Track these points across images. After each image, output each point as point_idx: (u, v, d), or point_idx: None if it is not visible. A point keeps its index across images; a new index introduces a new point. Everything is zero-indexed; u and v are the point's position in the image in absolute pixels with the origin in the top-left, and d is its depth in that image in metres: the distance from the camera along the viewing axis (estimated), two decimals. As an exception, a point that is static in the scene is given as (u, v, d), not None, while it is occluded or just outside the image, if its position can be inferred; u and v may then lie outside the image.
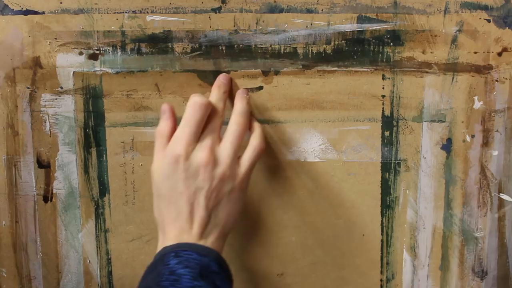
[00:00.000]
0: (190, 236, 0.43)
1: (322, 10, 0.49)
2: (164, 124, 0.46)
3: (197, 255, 0.42)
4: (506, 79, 0.49)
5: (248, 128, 0.48)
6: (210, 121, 0.46)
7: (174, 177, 0.44)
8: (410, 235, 0.52)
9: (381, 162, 0.51)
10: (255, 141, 0.47)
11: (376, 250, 0.53)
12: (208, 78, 0.50)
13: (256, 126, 0.48)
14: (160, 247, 0.44)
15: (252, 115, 0.49)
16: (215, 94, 0.48)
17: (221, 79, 0.48)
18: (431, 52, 0.49)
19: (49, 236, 0.52)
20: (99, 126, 0.51)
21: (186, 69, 0.50)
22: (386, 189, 0.52)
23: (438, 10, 0.48)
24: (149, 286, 0.41)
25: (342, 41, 0.49)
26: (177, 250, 0.42)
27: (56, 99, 0.50)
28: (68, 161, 0.51)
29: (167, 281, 0.40)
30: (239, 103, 0.48)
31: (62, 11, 0.49)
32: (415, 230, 0.52)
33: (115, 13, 0.49)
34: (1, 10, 0.48)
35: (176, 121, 0.47)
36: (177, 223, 0.44)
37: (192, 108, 0.45)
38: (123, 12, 0.49)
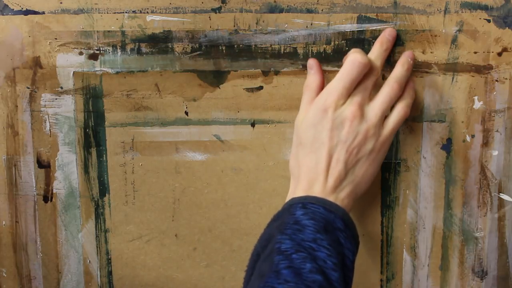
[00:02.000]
0: (323, 189, 0.44)
1: (322, 10, 0.49)
2: (313, 79, 0.47)
3: (324, 210, 0.42)
4: (506, 79, 0.49)
5: (400, 92, 0.47)
6: (364, 78, 0.46)
7: (320, 127, 0.45)
8: (410, 235, 0.52)
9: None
10: (400, 107, 0.47)
11: (376, 250, 0.53)
12: (208, 78, 0.50)
13: (408, 94, 0.48)
14: (290, 195, 0.45)
15: (410, 81, 0.49)
16: (376, 50, 0.47)
17: (386, 34, 0.48)
18: (431, 52, 0.49)
19: (49, 236, 0.52)
20: (99, 126, 0.51)
21: (186, 69, 0.50)
22: (386, 189, 0.52)
23: (438, 10, 0.48)
24: (273, 232, 0.42)
25: (342, 41, 0.49)
26: (305, 202, 0.43)
27: (56, 99, 0.50)
28: (68, 161, 0.51)
29: (290, 230, 0.41)
30: (399, 67, 0.47)
31: (62, 11, 0.49)
32: (415, 230, 0.52)
33: (115, 13, 0.49)
34: (1, 10, 0.48)
35: (323, 76, 0.48)
36: (312, 173, 0.45)
37: (351, 65, 0.45)
38: (123, 12, 0.49)
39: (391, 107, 0.47)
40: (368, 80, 0.46)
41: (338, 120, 0.45)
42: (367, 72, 0.46)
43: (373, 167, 0.46)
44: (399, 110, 0.47)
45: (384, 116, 0.46)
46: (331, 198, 0.44)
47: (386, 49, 0.48)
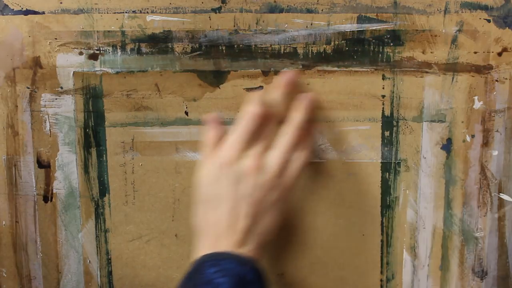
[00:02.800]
0: (229, 244, 0.43)
1: (322, 10, 0.49)
2: (212, 133, 0.47)
3: (235, 264, 0.41)
4: (506, 79, 0.49)
5: (300, 139, 0.47)
6: (265, 126, 0.46)
7: (220, 183, 0.44)
8: (410, 235, 0.52)
9: (381, 162, 0.51)
10: (299, 152, 0.46)
11: (376, 250, 0.53)
12: (208, 78, 0.50)
13: (309, 139, 0.48)
14: (198, 253, 0.44)
15: (310, 124, 0.48)
16: (274, 95, 0.47)
17: (283, 79, 0.48)
18: (431, 52, 0.49)
19: (49, 236, 0.52)
20: (99, 126, 0.51)
21: (186, 69, 0.50)
22: (386, 189, 0.52)
23: (438, 10, 0.48)
24: None
25: (342, 41, 0.49)
26: (215, 259, 0.42)
27: (56, 99, 0.50)
28: (68, 161, 0.51)
29: None
30: (296, 113, 0.47)
31: (62, 11, 0.49)
32: (415, 230, 0.52)
33: (115, 13, 0.49)
34: (1, 10, 0.48)
35: (222, 128, 0.48)
36: (218, 230, 0.44)
37: (246, 117, 0.45)
38: (123, 12, 0.49)
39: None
40: (267, 128, 0.46)
41: (237, 175, 0.44)
42: (268, 118, 0.45)
43: (279, 216, 0.46)
44: (299, 156, 0.46)
45: (285, 165, 0.45)
46: (240, 251, 0.43)
47: (286, 93, 0.47)
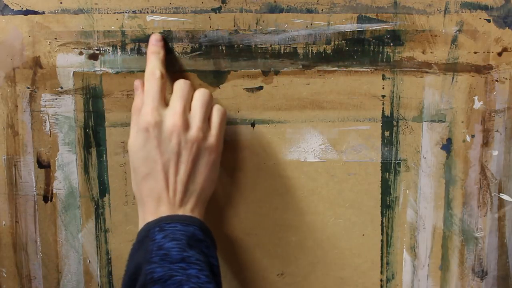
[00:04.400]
0: (170, 206, 0.44)
1: (322, 10, 0.49)
2: (138, 100, 0.47)
3: (181, 226, 0.42)
4: (506, 79, 0.49)
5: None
6: (174, 84, 0.46)
7: (147, 146, 0.44)
8: (410, 235, 0.52)
9: (381, 162, 0.51)
10: (217, 106, 0.47)
11: (376, 250, 0.53)
12: (208, 78, 0.50)
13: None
14: (142, 222, 0.44)
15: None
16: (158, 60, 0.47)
17: (152, 40, 0.48)
18: (431, 52, 0.49)
19: (49, 236, 0.52)
20: (99, 126, 0.51)
21: (186, 69, 0.50)
22: (386, 189, 0.52)
23: (438, 10, 0.48)
24: (139, 263, 0.41)
25: (342, 41, 0.49)
26: (161, 224, 0.42)
27: (56, 99, 0.50)
28: (68, 161, 0.51)
29: (156, 257, 0.40)
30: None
31: (62, 11, 0.49)
32: (415, 230, 0.52)
33: (115, 13, 0.49)
34: (1, 10, 0.48)
35: None
36: (154, 194, 0.44)
37: (148, 83, 0.45)
38: (123, 12, 0.49)
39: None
40: (177, 86, 0.46)
41: (163, 135, 0.44)
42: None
43: (212, 169, 0.46)
44: (218, 108, 0.47)
45: (207, 118, 0.46)
46: (181, 212, 0.44)
47: (158, 52, 0.47)
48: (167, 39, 0.49)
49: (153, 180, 0.44)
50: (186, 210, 0.44)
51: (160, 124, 0.44)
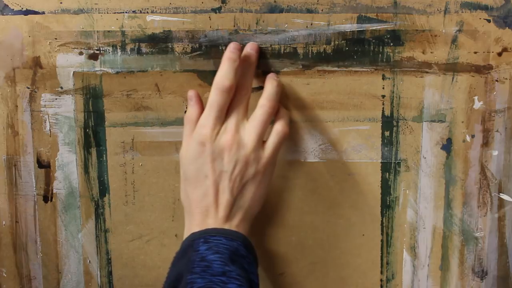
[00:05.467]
0: (216, 220, 0.44)
1: (322, 10, 0.49)
2: (192, 110, 0.47)
3: (226, 240, 0.43)
4: (506, 79, 0.49)
5: (274, 112, 0.47)
6: (236, 100, 0.46)
7: (200, 160, 0.45)
8: (410, 235, 0.52)
9: (381, 162, 0.51)
10: (279, 126, 0.47)
11: (376, 250, 0.53)
12: (208, 78, 0.50)
13: (283, 112, 0.48)
14: (187, 232, 0.45)
15: (280, 100, 0.49)
16: (241, 67, 0.47)
17: (248, 49, 0.48)
18: (431, 52, 0.49)
19: (49, 236, 0.52)
20: (99, 126, 0.51)
21: (186, 69, 0.50)
22: (386, 189, 0.52)
23: (438, 10, 0.48)
24: (180, 273, 0.42)
25: (342, 41, 0.49)
26: (206, 236, 0.43)
27: (56, 99, 0.50)
28: (68, 161, 0.51)
29: (198, 267, 0.41)
30: (268, 86, 0.47)
31: (62, 11, 0.49)
32: (415, 230, 0.52)
33: (115, 13, 0.49)
34: (1, 10, 0.48)
35: (203, 106, 0.47)
36: (203, 206, 0.45)
37: (215, 92, 0.45)
38: (123, 12, 0.49)
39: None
40: (238, 102, 0.46)
41: (216, 151, 0.45)
42: (238, 91, 0.46)
43: (260, 189, 0.46)
44: (278, 130, 0.47)
45: (262, 138, 0.46)
46: (226, 227, 0.44)
47: (251, 64, 0.47)
48: (167, 39, 0.49)
49: (202, 193, 0.45)
50: (231, 225, 0.45)
51: (215, 139, 0.45)
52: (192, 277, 0.40)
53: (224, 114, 0.46)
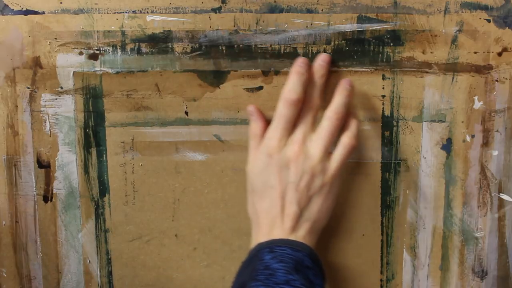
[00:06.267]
0: (282, 231, 0.45)
1: (322, 10, 0.49)
2: (255, 124, 0.48)
3: (291, 250, 0.43)
4: (506, 79, 0.49)
5: (341, 124, 0.47)
6: (303, 113, 0.46)
7: (267, 172, 0.45)
8: (410, 235, 0.52)
9: (381, 162, 0.51)
10: (346, 139, 0.47)
11: (376, 250, 0.53)
12: (208, 78, 0.50)
13: (352, 123, 0.47)
14: (254, 242, 0.46)
15: (351, 110, 0.48)
16: (310, 81, 0.47)
17: (319, 61, 0.47)
18: (431, 52, 0.49)
19: (49, 236, 0.52)
20: (99, 126, 0.51)
21: (186, 69, 0.50)
22: (386, 189, 0.52)
23: (438, 10, 0.48)
24: (245, 281, 0.42)
25: (342, 41, 0.49)
26: (272, 245, 0.43)
27: (56, 99, 0.50)
28: (68, 161, 0.51)
29: (262, 275, 0.41)
30: (337, 98, 0.47)
31: (62, 11, 0.49)
32: (415, 230, 0.52)
33: (115, 13, 0.49)
34: (1, 10, 0.48)
35: (265, 120, 0.48)
36: (269, 217, 0.45)
37: (283, 104, 0.46)
38: (123, 12, 0.49)
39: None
40: (306, 114, 0.46)
41: (283, 163, 0.45)
42: (306, 104, 0.46)
43: (328, 201, 0.46)
44: (345, 142, 0.46)
45: (328, 150, 0.46)
46: (292, 238, 0.44)
47: (321, 76, 0.47)
48: (167, 39, 0.49)
49: (269, 205, 0.45)
50: (298, 236, 0.45)
51: (282, 150, 0.45)
52: (255, 284, 0.40)
53: (291, 126, 0.46)
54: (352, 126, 0.47)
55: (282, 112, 0.46)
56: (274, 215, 0.45)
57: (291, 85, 0.46)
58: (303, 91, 0.46)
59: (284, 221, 0.45)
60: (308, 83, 0.47)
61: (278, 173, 0.45)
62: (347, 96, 0.47)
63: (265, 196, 0.46)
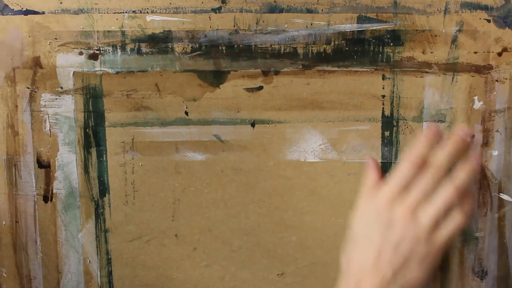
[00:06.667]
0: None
1: (322, 10, 0.49)
2: (372, 175, 0.47)
3: None
4: (506, 79, 0.49)
5: (458, 199, 0.45)
6: (425, 176, 0.45)
7: (372, 226, 0.44)
8: (410, 235, 0.52)
9: (381, 162, 0.51)
10: (458, 215, 0.44)
11: (376, 250, 0.52)
12: (208, 78, 0.50)
13: (468, 201, 0.46)
14: None
15: (471, 188, 0.47)
16: (447, 147, 0.45)
17: (459, 132, 0.46)
18: (431, 52, 0.49)
19: (49, 236, 0.52)
20: (99, 126, 0.51)
21: (186, 69, 0.50)
22: (386, 189, 0.51)
23: (438, 10, 0.48)
24: None
25: (342, 41, 0.49)
26: None
27: (56, 99, 0.50)
28: (68, 161, 0.51)
29: None
30: (462, 172, 0.45)
31: (62, 11, 0.49)
32: (415, 230, 0.52)
33: (115, 13, 0.49)
34: (1, 10, 0.48)
35: (381, 173, 0.47)
36: (361, 271, 0.44)
37: (405, 165, 0.45)
38: (123, 12, 0.49)
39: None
40: (426, 178, 0.45)
41: (389, 221, 0.44)
42: (430, 168, 0.45)
43: (422, 271, 0.44)
44: (456, 219, 0.45)
45: (439, 221, 0.44)
46: None
47: (457, 149, 0.45)
48: (167, 39, 0.49)
49: (364, 259, 0.44)
50: None
51: (392, 209, 0.44)
52: None
53: (409, 186, 0.45)
54: (468, 204, 0.46)
55: (402, 171, 0.45)
56: (366, 271, 0.44)
57: (419, 148, 0.45)
58: (429, 156, 0.45)
59: (375, 280, 0.43)
60: (437, 146, 0.45)
61: (382, 230, 0.44)
62: (471, 173, 0.45)
63: (363, 249, 0.44)
